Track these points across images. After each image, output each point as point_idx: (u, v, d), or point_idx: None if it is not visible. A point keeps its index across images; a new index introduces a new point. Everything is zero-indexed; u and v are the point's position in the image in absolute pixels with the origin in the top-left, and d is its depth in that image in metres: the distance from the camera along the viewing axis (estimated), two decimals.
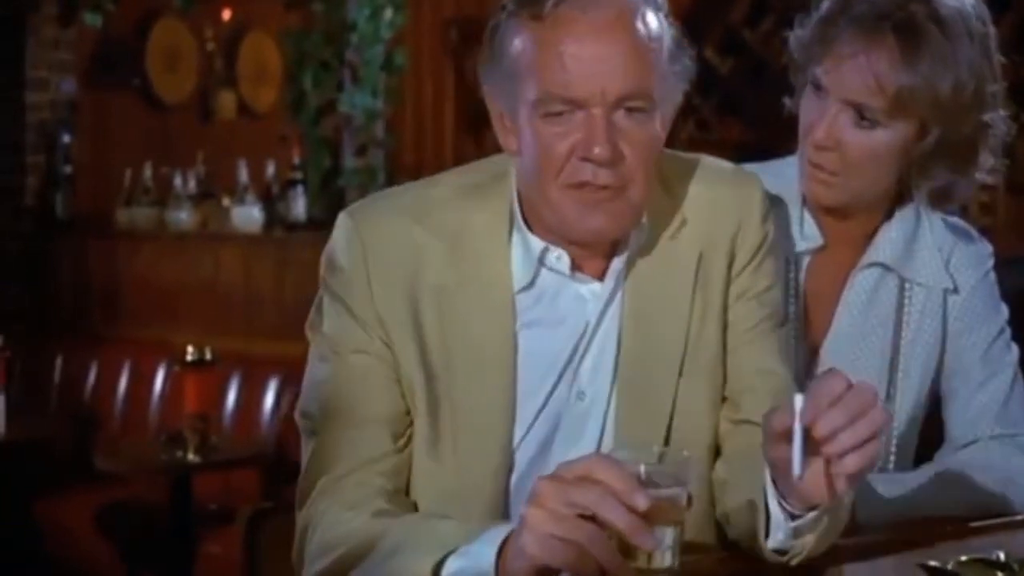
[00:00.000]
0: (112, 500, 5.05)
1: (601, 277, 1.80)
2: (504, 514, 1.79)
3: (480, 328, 1.75)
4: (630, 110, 1.70)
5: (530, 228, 1.79)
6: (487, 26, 1.79)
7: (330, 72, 6.26)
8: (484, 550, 1.53)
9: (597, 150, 1.68)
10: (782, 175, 2.14)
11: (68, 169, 6.42)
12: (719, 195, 1.85)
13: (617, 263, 1.80)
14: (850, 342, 2.13)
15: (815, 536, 1.64)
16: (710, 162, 1.90)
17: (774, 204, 1.95)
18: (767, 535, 1.66)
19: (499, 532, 1.54)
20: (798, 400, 1.53)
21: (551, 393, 1.80)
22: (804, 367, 2.11)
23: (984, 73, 2.03)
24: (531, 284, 1.79)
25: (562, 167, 1.71)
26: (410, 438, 1.79)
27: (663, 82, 1.73)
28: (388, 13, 6.20)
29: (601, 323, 1.81)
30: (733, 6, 8.10)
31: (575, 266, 1.79)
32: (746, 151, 7.46)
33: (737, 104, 7.99)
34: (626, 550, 1.47)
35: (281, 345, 5.31)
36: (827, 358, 2.13)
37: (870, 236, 2.14)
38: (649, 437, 1.78)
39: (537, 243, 1.78)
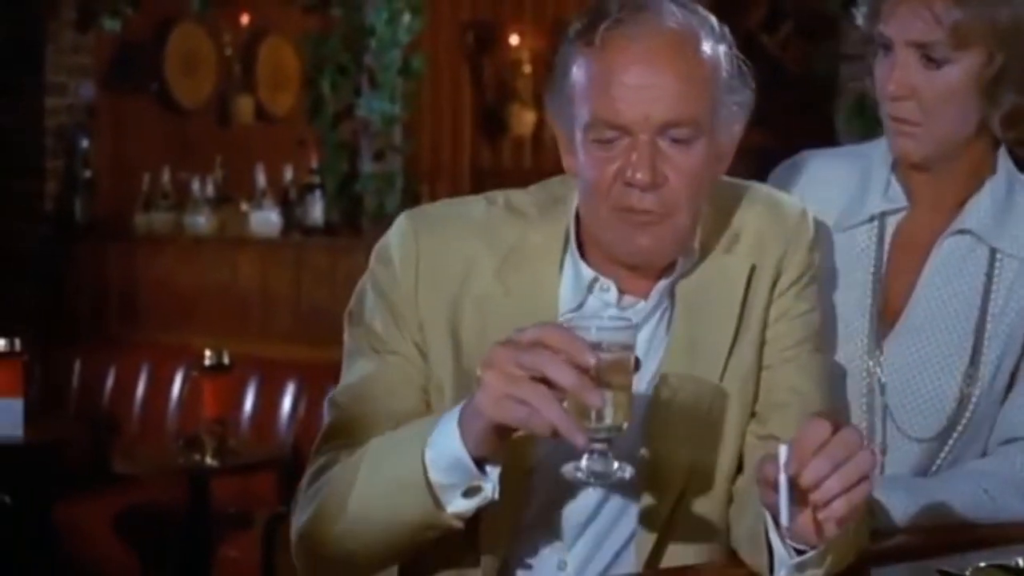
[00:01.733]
0: (130, 504, 5.06)
1: (647, 295, 1.82)
2: (518, 527, 1.80)
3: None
4: (676, 138, 1.72)
5: (583, 254, 1.82)
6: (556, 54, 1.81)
7: (348, 77, 6.27)
8: (446, 428, 1.64)
9: (639, 175, 1.71)
10: (862, 152, 2.19)
11: (87, 174, 6.44)
12: (769, 220, 1.87)
13: (663, 283, 1.82)
14: (931, 310, 2.10)
15: (823, 570, 1.65)
16: (761, 189, 1.94)
17: (820, 227, 1.96)
18: (771, 571, 1.67)
19: (455, 410, 1.64)
20: (783, 450, 1.55)
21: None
22: (880, 331, 2.10)
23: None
24: (577, 308, 1.81)
25: (609, 190, 1.74)
26: None
27: (714, 111, 1.75)
28: (406, 18, 6.21)
29: (641, 336, 1.79)
30: (750, 11, 8.10)
31: (621, 291, 1.82)
32: (764, 156, 7.46)
33: (755, 109, 7.98)
34: (578, 411, 1.56)
35: (298, 349, 5.32)
36: (906, 324, 2.11)
37: (961, 204, 2.12)
38: (680, 447, 1.79)
39: (588, 272, 1.81)
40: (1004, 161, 2.13)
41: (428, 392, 1.82)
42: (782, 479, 1.54)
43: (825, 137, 5.58)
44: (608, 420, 1.58)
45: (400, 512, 1.69)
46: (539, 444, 1.77)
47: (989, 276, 2.11)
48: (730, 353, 1.82)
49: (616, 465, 1.59)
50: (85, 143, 6.46)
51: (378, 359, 1.83)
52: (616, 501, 1.82)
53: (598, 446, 1.58)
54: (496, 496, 1.66)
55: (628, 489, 1.80)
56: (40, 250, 6.34)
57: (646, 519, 1.80)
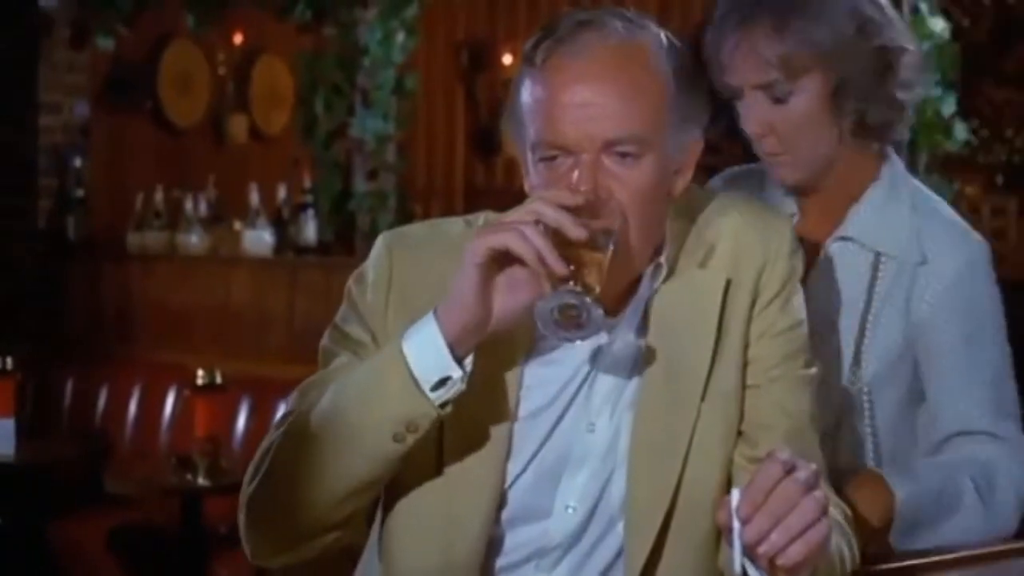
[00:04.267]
0: (123, 522, 5.05)
1: (616, 313, 1.80)
2: (490, 547, 1.79)
3: (488, 357, 1.74)
4: (622, 155, 1.71)
5: None
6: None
7: (342, 96, 6.27)
8: (423, 322, 1.69)
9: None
10: (755, 171, 2.32)
11: (80, 192, 6.44)
12: (745, 230, 1.84)
13: (633, 300, 1.80)
14: (820, 313, 2.15)
15: None
16: (737, 198, 1.91)
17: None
18: None
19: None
20: (734, 496, 1.54)
21: (556, 425, 1.80)
22: None
23: (864, 11, 2.16)
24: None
25: None
26: None
27: (662, 127, 1.73)
28: (400, 37, 6.22)
29: (614, 356, 1.80)
30: None
31: None
32: None
33: None
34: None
35: (291, 368, 5.29)
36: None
37: (847, 209, 2.23)
38: (664, 468, 1.77)
39: None
40: (889, 167, 2.25)
41: None
42: (735, 525, 1.53)
43: None
44: (583, 279, 1.62)
45: (374, 405, 1.69)
46: (515, 460, 1.78)
47: (872, 279, 2.20)
48: (710, 372, 1.79)
49: (588, 301, 1.62)
50: (79, 161, 6.46)
51: (350, 356, 1.82)
52: (599, 524, 1.80)
53: (571, 288, 1.62)
54: (464, 385, 1.68)
55: (613, 509, 1.79)
56: (33, 268, 6.33)
57: (633, 542, 1.78)
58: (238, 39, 7.51)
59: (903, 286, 2.18)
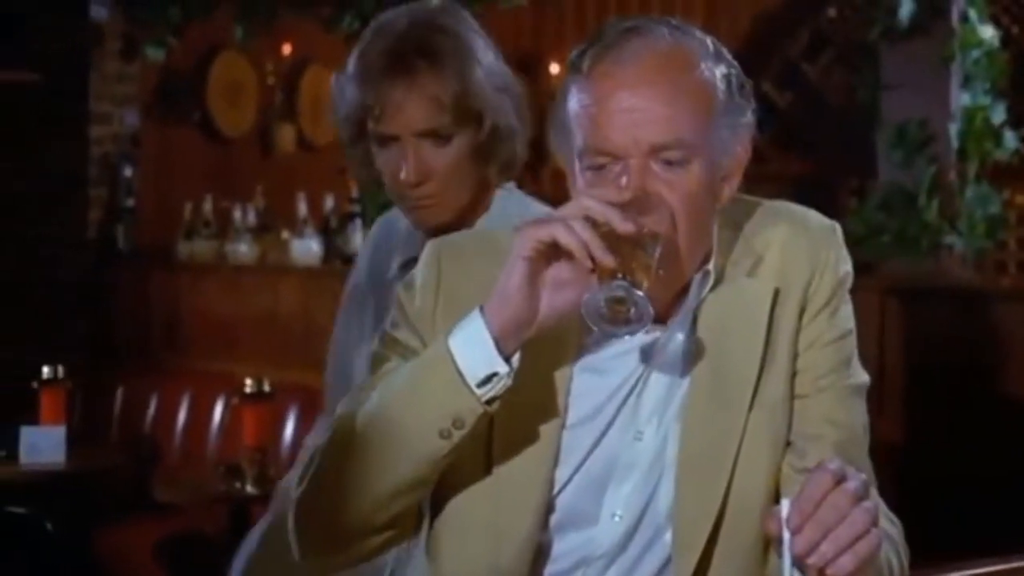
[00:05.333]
0: (171, 531, 5.07)
1: (664, 321, 1.79)
2: (537, 554, 1.79)
3: (535, 364, 1.75)
4: (669, 161, 1.71)
5: None
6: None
7: None
8: (469, 319, 1.69)
9: (627, 197, 1.69)
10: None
11: (130, 202, 6.49)
12: (794, 240, 1.83)
13: (682, 308, 1.80)
14: None
15: None
16: (786, 207, 1.89)
17: None
18: None
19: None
20: (784, 506, 1.54)
21: (604, 433, 1.80)
22: None
23: (469, 74, 2.31)
24: (593, 331, 1.79)
25: None
26: None
27: (709, 133, 1.73)
28: None
29: (662, 365, 1.80)
30: (792, 40, 8.09)
31: None
32: (804, 184, 7.44)
33: (795, 137, 7.97)
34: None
35: None
36: None
37: None
38: (712, 478, 1.77)
39: None
40: (498, 201, 2.41)
41: None
42: (785, 536, 1.53)
43: (866, 166, 5.56)
44: (631, 275, 1.62)
45: (420, 401, 1.70)
46: (562, 467, 1.78)
47: None
48: (758, 381, 1.79)
49: (637, 294, 1.61)
50: (128, 171, 6.51)
51: (399, 360, 1.83)
52: (645, 533, 1.80)
53: (620, 282, 1.62)
54: (511, 381, 1.68)
55: (660, 518, 1.79)
56: (83, 278, 6.38)
57: (681, 551, 1.78)
58: (286, 50, 7.55)
59: None
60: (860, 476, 1.56)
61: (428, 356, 1.73)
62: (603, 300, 1.62)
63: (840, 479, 1.54)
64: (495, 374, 1.68)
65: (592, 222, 1.63)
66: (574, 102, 1.74)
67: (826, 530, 1.52)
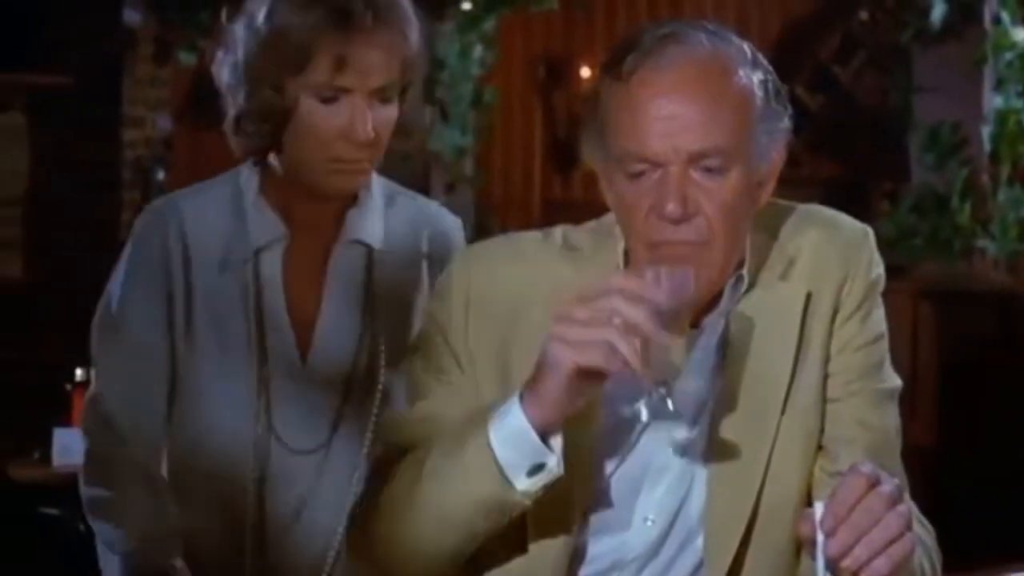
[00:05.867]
0: None
1: (697, 325, 1.79)
2: (573, 556, 1.79)
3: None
4: (709, 168, 1.71)
5: None
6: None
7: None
8: (508, 407, 1.68)
9: (670, 207, 1.69)
10: (227, 181, 2.55)
11: None
12: (826, 244, 1.83)
13: (714, 314, 1.80)
14: (338, 316, 2.28)
15: None
16: (819, 211, 1.89)
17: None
18: None
19: (515, 393, 1.68)
20: (818, 509, 1.54)
21: (637, 437, 1.79)
22: (298, 344, 2.27)
23: (414, 37, 2.23)
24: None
25: (643, 225, 1.72)
26: None
27: (748, 139, 1.73)
28: (478, 50, 6.24)
29: (694, 369, 1.78)
30: (823, 43, 8.08)
31: None
32: (836, 187, 7.43)
33: (827, 141, 7.96)
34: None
35: None
36: (320, 336, 2.28)
37: (340, 217, 2.31)
38: (744, 481, 1.77)
39: None
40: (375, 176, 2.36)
41: None
42: (819, 538, 1.53)
43: (898, 169, 5.54)
44: (671, 365, 1.65)
45: (467, 495, 1.71)
46: (596, 471, 1.78)
47: (369, 279, 2.31)
48: (790, 385, 1.78)
49: (673, 401, 1.65)
50: (161, 175, 6.54)
51: (435, 385, 1.84)
52: (677, 537, 1.80)
53: (658, 386, 1.65)
54: (561, 471, 1.68)
55: (691, 522, 1.79)
56: None
57: (712, 555, 1.78)
58: None
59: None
60: (894, 480, 1.56)
61: (469, 457, 1.71)
62: (643, 406, 1.68)
63: (874, 483, 1.54)
64: (543, 465, 1.69)
65: (632, 328, 1.61)
66: (612, 109, 1.73)
67: (860, 533, 1.52)
